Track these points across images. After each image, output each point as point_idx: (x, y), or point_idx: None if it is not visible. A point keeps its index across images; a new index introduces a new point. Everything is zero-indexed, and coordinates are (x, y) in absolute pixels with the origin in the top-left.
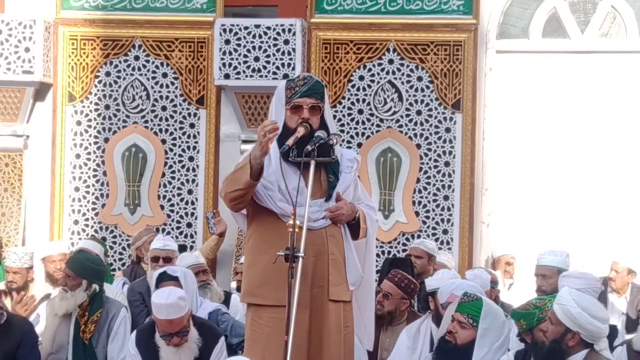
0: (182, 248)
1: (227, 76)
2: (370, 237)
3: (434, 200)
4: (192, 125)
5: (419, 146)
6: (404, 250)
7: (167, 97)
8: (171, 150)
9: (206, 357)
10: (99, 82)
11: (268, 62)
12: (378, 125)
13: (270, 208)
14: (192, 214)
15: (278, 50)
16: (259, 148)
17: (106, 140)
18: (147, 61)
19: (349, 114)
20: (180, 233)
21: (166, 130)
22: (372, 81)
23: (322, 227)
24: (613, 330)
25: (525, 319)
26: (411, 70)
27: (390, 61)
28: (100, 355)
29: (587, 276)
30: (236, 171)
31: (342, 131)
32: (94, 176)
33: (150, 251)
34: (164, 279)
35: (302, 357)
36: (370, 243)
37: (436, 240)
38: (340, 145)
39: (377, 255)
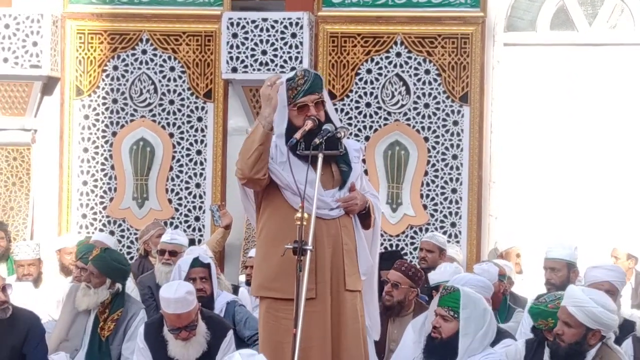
0: (190, 242)
1: (234, 70)
2: (376, 227)
3: (442, 194)
4: (199, 119)
5: (426, 139)
6: (411, 244)
7: (174, 91)
8: (179, 144)
9: (214, 351)
10: (107, 76)
11: (275, 55)
12: (385, 119)
13: (289, 185)
14: (200, 207)
15: (285, 44)
16: (267, 104)
17: (114, 134)
18: (155, 55)
19: (357, 107)
20: (189, 227)
21: (174, 124)
22: (380, 74)
23: (336, 217)
24: (629, 326)
25: (554, 318)
26: (419, 63)
27: (398, 54)
28: (115, 353)
29: (618, 269)
30: (247, 139)
31: (350, 124)
32: (102, 170)
33: (158, 244)
34: (195, 265)
35: (328, 349)
36: (376, 233)
37: (444, 233)
38: (348, 137)
39: (385, 248)
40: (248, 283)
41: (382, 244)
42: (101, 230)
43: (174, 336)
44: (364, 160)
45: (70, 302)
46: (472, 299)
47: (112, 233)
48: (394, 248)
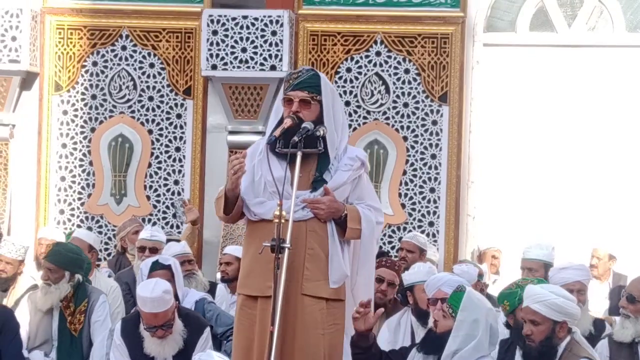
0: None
1: (214, 67)
2: (366, 240)
3: (420, 193)
4: (178, 116)
5: (405, 138)
6: (389, 242)
7: (154, 88)
8: (158, 140)
9: (191, 348)
10: (86, 71)
11: (255, 53)
12: (365, 118)
13: (250, 217)
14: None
15: (265, 42)
16: (229, 182)
17: (92, 130)
18: (134, 51)
19: None
20: (167, 223)
21: (153, 121)
22: (360, 73)
23: (300, 220)
24: (600, 324)
25: (509, 299)
26: (398, 63)
27: (378, 53)
28: (87, 345)
29: (583, 267)
30: (218, 198)
31: None
32: (80, 166)
33: (137, 241)
34: (156, 268)
35: (263, 348)
36: (365, 245)
37: (422, 232)
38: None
39: None
40: (223, 280)
41: None
42: (79, 226)
43: (150, 334)
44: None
45: (33, 305)
46: (473, 305)
47: (89, 229)
48: None
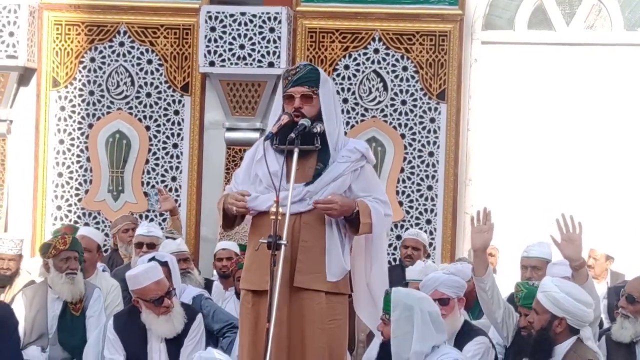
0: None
1: (212, 63)
2: (377, 232)
3: (418, 190)
4: (176, 112)
5: (403, 136)
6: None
7: (151, 84)
8: (155, 137)
9: (184, 334)
10: (84, 67)
11: (253, 50)
12: (363, 115)
13: (253, 213)
14: (176, 201)
15: (263, 39)
16: (231, 208)
17: (90, 126)
18: (132, 47)
19: None
20: (164, 220)
21: (150, 117)
22: (357, 70)
23: (295, 213)
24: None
25: (528, 290)
26: (396, 60)
27: (376, 51)
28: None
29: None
30: (218, 209)
31: None
32: (78, 162)
33: (134, 237)
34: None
35: (281, 342)
36: (377, 238)
37: (420, 230)
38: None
39: None
40: (224, 275)
41: None
42: (76, 222)
43: (157, 312)
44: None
45: (28, 301)
46: (401, 301)
47: (86, 225)
48: None
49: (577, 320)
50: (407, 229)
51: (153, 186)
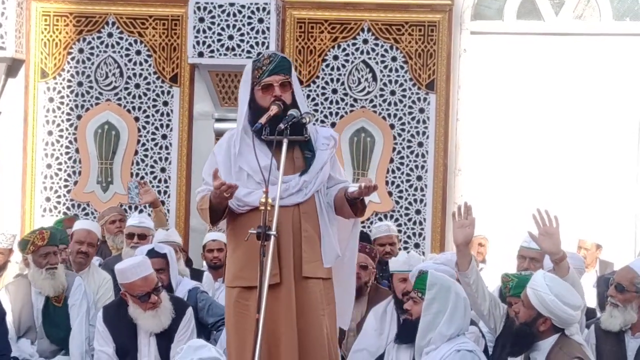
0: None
1: (200, 54)
2: (357, 219)
3: (407, 181)
4: (165, 103)
5: (392, 126)
6: None
7: (140, 75)
8: (144, 128)
9: (174, 328)
10: (72, 58)
11: (242, 40)
12: (352, 105)
13: (242, 210)
14: (165, 192)
15: (252, 29)
16: (219, 197)
17: (79, 117)
18: (121, 38)
19: (323, 94)
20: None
21: (139, 108)
22: (347, 61)
23: (295, 204)
24: (591, 314)
25: (520, 279)
26: (385, 51)
27: (365, 41)
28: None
29: (573, 256)
30: (202, 209)
31: (316, 111)
32: (67, 153)
33: (126, 228)
34: (152, 256)
35: (294, 337)
36: (357, 223)
37: (409, 220)
38: (314, 123)
39: None
40: (216, 266)
41: None
42: (65, 214)
43: (143, 307)
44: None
45: (14, 296)
46: (439, 281)
47: (76, 216)
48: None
49: (562, 322)
50: (396, 219)
51: (139, 178)
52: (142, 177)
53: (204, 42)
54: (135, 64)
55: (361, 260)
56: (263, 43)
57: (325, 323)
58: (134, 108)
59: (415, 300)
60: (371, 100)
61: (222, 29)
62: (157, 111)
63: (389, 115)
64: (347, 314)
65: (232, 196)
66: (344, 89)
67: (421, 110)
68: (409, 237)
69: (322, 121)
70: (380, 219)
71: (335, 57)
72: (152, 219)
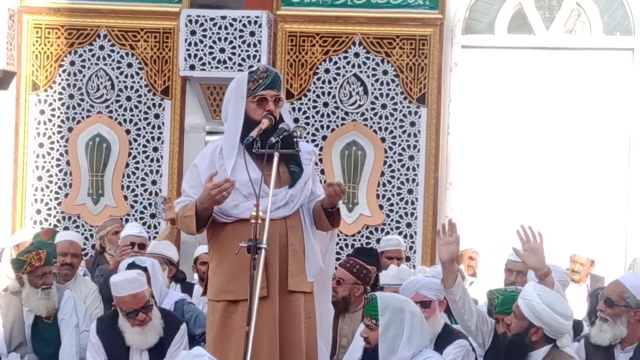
0: None
1: (192, 67)
2: (333, 232)
3: (398, 194)
4: (156, 116)
5: (383, 140)
6: (367, 244)
7: (131, 87)
8: (135, 140)
9: (167, 343)
10: (63, 71)
11: (234, 53)
12: (343, 119)
13: (228, 220)
14: (156, 204)
15: (244, 42)
16: (210, 200)
17: (70, 129)
18: (112, 51)
19: (314, 107)
20: (144, 224)
21: (130, 121)
22: (338, 74)
23: (282, 218)
24: (578, 326)
25: (506, 297)
26: (377, 64)
27: (356, 54)
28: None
29: (556, 269)
30: (186, 217)
31: (307, 124)
32: (57, 166)
33: (124, 237)
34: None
35: (275, 349)
36: (333, 237)
37: (400, 233)
38: (304, 139)
39: (340, 248)
40: (201, 279)
41: (338, 244)
42: (55, 226)
43: (131, 323)
44: (319, 162)
45: (5, 310)
46: (390, 304)
47: (66, 229)
48: (349, 248)
49: (554, 331)
50: (387, 232)
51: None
52: (139, 188)
53: (195, 55)
54: (126, 76)
55: (338, 274)
56: (254, 56)
57: (303, 336)
58: (125, 120)
59: (371, 327)
60: (362, 114)
61: (214, 41)
62: (148, 124)
63: (380, 128)
64: (327, 330)
65: (224, 199)
66: (335, 102)
67: (412, 124)
68: None
69: (313, 134)
70: (371, 232)
71: (327, 71)
72: (166, 235)
